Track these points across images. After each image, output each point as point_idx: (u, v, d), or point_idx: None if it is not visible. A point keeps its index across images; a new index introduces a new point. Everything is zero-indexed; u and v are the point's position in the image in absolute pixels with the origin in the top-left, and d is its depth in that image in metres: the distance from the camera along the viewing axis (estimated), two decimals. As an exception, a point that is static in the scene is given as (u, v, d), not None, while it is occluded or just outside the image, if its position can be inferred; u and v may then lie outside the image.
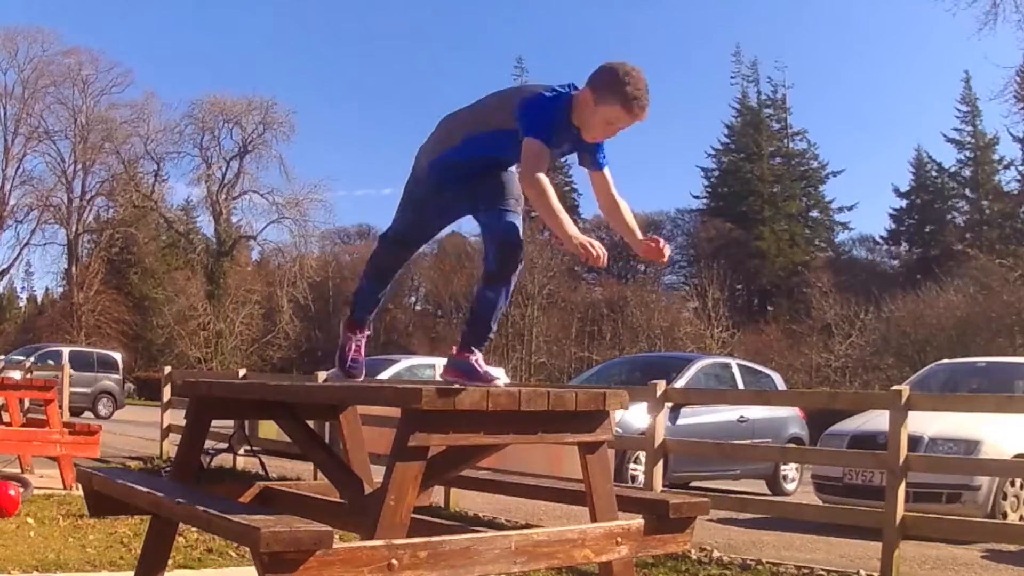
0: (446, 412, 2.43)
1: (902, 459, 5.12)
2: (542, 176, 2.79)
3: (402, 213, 3.22)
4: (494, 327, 3.16)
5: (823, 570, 5.23)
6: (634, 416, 8.28)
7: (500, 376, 3.22)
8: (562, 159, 3.12)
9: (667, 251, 3.08)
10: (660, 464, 6.32)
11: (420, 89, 67.03)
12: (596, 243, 2.77)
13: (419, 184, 3.13)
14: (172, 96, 72.47)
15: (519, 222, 3.06)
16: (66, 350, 23.48)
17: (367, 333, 3.39)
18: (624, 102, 2.81)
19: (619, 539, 2.72)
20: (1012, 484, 7.12)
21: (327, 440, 5.23)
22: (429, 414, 2.40)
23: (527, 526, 5.32)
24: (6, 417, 8.17)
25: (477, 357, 3.03)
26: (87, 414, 20.54)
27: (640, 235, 3.12)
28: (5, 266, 43.54)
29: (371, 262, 3.32)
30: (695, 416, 9.16)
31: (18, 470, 7.28)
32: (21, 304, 51.89)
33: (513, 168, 3.06)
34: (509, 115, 2.85)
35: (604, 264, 2.78)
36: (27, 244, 43.35)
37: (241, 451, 8.61)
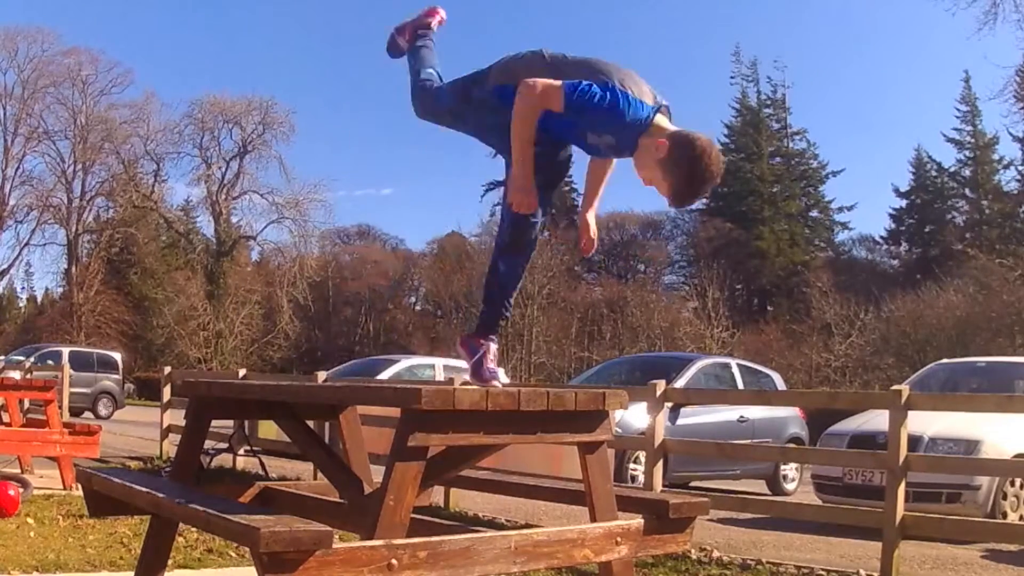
0: (446, 412, 2.43)
1: (902, 459, 5.12)
2: (534, 116, 2.68)
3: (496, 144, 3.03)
4: (509, 306, 3.08)
5: (823, 570, 5.23)
6: (634, 416, 8.28)
7: (500, 376, 3.19)
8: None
9: (590, 250, 3.13)
10: (660, 464, 6.32)
11: (420, 89, 66.93)
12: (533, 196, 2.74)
13: (494, 112, 2.89)
14: (172, 96, 72.64)
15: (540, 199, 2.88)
16: (66, 350, 23.49)
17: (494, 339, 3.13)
18: (679, 187, 2.71)
19: (619, 539, 2.71)
20: (1012, 484, 7.12)
21: (327, 440, 5.24)
22: (429, 414, 2.40)
23: (527, 526, 5.31)
24: (6, 417, 8.17)
25: (489, 348, 2.95)
26: (87, 414, 20.54)
27: (592, 222, 3.12)
28: (5, 266, 43.60)
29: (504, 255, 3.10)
30: (695, 416, 9.16)
31: (18, 470, 7.28)
32: (21, 304, 51.96)
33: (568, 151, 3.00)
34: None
35: (530, 210, 2.75)
36: (27, 244, 43.43)
37: (241, 451, 8.60)
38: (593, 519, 2.76)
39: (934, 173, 44.10)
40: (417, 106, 3.13)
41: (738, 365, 11.44)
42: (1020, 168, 40.26)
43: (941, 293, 30.45)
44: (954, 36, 68.01)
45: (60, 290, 46.83)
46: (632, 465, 8.69)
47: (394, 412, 2.53)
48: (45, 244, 44.18)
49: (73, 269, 43.34)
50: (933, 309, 29.72)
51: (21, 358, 20.70)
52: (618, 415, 8.06)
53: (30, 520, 5.38)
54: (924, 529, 5.43)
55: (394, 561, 2.25)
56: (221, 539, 4.47)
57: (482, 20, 64.69)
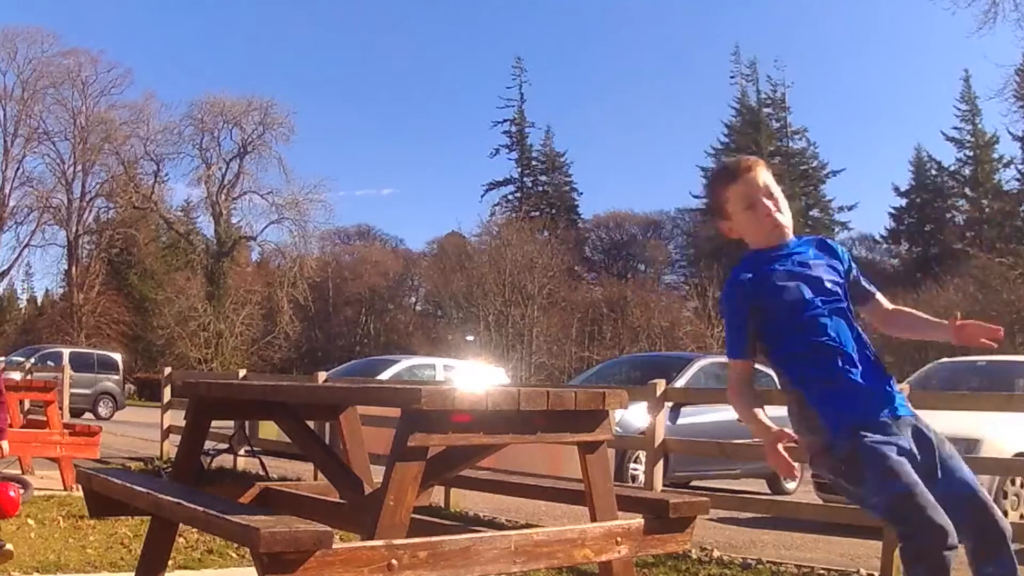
0: (445, 412, 2.43)
1: (902, 458, 5.11)
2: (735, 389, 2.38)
3: None
4: None
5: (823, 569, 5.23)
6: (634, 415, 8.27)
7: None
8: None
9: (998, 331, 2.37)
10: (660, 463, 6.32)
11: (420, 89, 67.04)
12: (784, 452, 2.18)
13: None
14: (172, 97, 72.79)
15: None
16: (66, 351, 23.49)
17: None
18: (726, 181, 2.43)
19: (619, 539, 2.71)
20: (1012, 483, 7.11)
21: (327, 440, 5.24)
22: (429, 414, 2.40)
23: (527, 526, 5.31)
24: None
25: None
26: (87, 415, 20.55)
27: (943, 320, 2.44)
28: (5, 267, 43.59)
29: None
30: (695, 415, 9.15)
31: (18, 471, 7.27)
32: (21, 305, 51.92)
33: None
34: None
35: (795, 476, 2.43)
36: (27, 245, 43.40)
37: (241, 452, 8.61)
38: (593, 519, 2.76)
39: (934, 172, 44.13)
40: None
41: (738, 364, 11.42)
42: (1020, 167, 40.34)
43: (941, 292, 30.47)
44: (954, 35, 68.14)
45: (60, 291, 46.90)
46: (632, 465, 8.69)
47: (394, 412, 2.53)
48: (45, 245, 44.24)
49: (73, 270, 43.34)
50: (933, 308, 29.61)
51: (21, 359, 20.68)
52: (618, 415, 8.06)
53: (30, 521, 5.38)
54: (924, 528, 5.42)
55: (394, 561, 2.25)
56: (221, 539, 4.47)
57: (482, 21, 64.74)
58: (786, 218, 2.38)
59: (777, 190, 2.40)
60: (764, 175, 2.39)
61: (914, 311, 2.54)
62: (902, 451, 2.16)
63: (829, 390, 2.23)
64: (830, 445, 2.17)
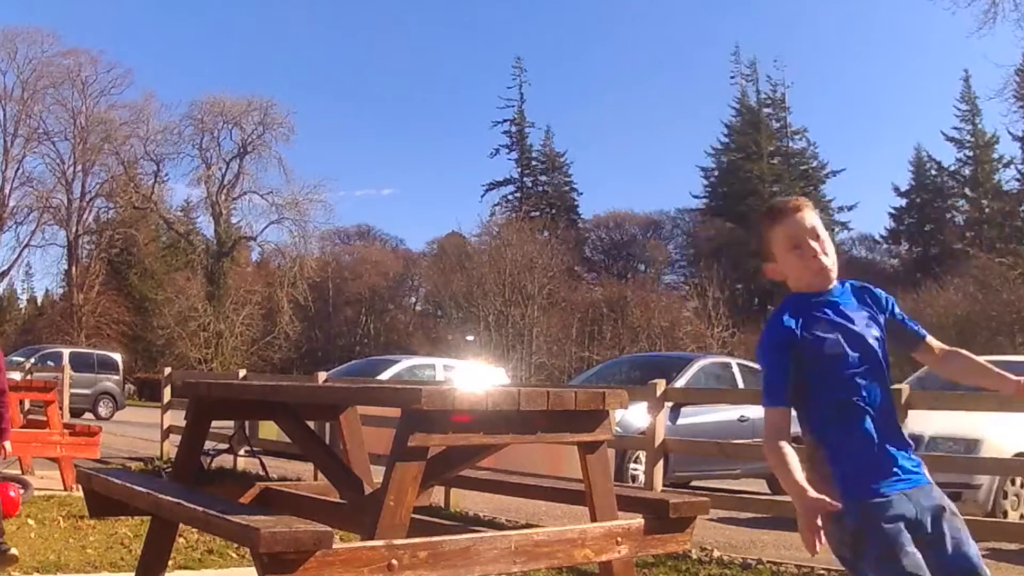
0: (445, 412, 2.43)
1: (902, 458, 5.10)
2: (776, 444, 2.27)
3: None
4: None
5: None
6: (634, 416, 8.27)
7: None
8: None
9: None
10: (660, 464, 6.32)
11: (420, 89, 67.09)
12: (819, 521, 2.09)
13: None
14: (172, 97, 72.68)
15: None
16: (66, 351, 23.49)
17: None
18: (772, 221, 2.36)
19: (619, 539, 2.71)
20: (1012, 483, 7.11)
21: (327, 440, 5.24)
22: (429, 414, 2.40)
23: (527, 526, 5.31)
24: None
25: None
26: (87, 415, 20.54)
27: (1004, 372, 2.33)
28: (5, 267, 43.58)
29: None
30: (695, 415, 9.16)
31: (18, 471, 7.28)
32: (21, 305, 51.91)
33: None
34: None
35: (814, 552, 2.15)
36: (27, 245, 43.40)
37: (241, 452, 8.61)
38: (593, 519, 2.76)
39: (934, 172, 44.15)
40: None
41: (738, 364, 11.42)
42: (1020, 167, 40.36)
43: (941, 292, 30.46)
44: (954, 35, 68.14)
45: (60, 291, 46.89)
46: (632, 465, 8.69)
47: (394, 412, 2.53)
48: (45, 245, 44.24)
49: (73, 270, 43.34)
50: (933, 308, 29.70)
51: (21, 359, 20.69)
52: (618, 415, 8.06)
53: (31, 521, 5.38)
54: (925, 528, 5.42)
55: (394, 561, 2.25)
56: (221, 540, 4.47)
57: (481, 21, 64.75)
58: (831, 261, 2.33)
59: (824, 232, 2.35)
60: (812, 217, 2.35)
61: (970, 355, 2.45)
62: (910, 523, 2.14)
63: (849, 453, 2.20)
64: (839, 513, 2.13)
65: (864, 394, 2.22)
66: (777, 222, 2.35)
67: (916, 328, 2.42)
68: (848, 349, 2.23)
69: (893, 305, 2.40)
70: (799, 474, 2.15)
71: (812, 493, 2.09)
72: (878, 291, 2.41)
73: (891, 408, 2.28)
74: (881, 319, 2.34)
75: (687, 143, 76.50)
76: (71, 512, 5.70)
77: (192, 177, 46.26)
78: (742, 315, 39.52)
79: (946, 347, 2.44)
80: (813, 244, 2.30)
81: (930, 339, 2.42)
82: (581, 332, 39.13)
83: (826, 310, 2.29)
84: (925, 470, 2.26)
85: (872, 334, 2.29)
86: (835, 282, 2.34)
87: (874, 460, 2.19)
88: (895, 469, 2.20)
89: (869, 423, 2.21)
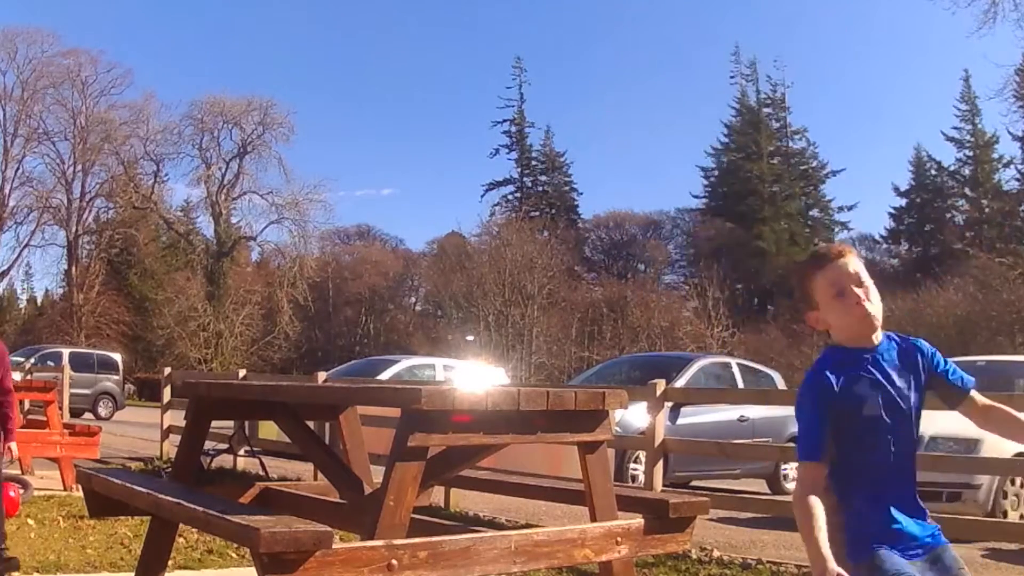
0: (445, 412, 2.43)
1: (902, 458, 5.10)
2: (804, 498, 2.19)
3: None
4: None
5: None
6: (634, 415, 8.27)
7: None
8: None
9: None
10: (660, 463, 6.32)
11: (421, 89, 67.10)
12: None
13: None
14: (171, 97, 72.72)
15: None
16: (66, 351, 23.48)
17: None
18: (815, 267, 2.31)
19: (619, 539, 2.71)
20: (1012, 483, 7.11)
21: (327, 440, 5.24)
22: (429, 414, 2.40)
23: (527, 526, 5.31)
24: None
25: None
26: (87, 415, 20.54)
27: None
28: (5, 267, 43.57)
29: None
30: (695, 415, 9.15)
31: (18, 471, 7.28)
32: (21, 305, 51.91)
33: None
34: None
35: None
36: (27, 245, 43.40)
37: (241, 452, 8.61)
38: (593, 519, 2.76)
39: (934, 172, 44.15)
40: None
41: (738, 364, 11.42)
42: (1020, 167, 40.37)
43: (941, 292, 30.45)
44: (953, 35, 68.14)
45: (60, 291, 46.89)
46: (632, 465, 8.68)
47: (394, 412, 2.53)
48: (45, 245, 44.23)
49: (73, 270, 43.33)
50: (933, 308, 29.72)
51: (21, 359, 20.69)
52: (618, 415, 8.05)
53: (30, 521, 5.38)
54: (924, 528, 5.42)
55: (394, 561, 2.25)
56: (221, 540, 4.47)
57: (481, 21, 64.77)
58: (876, 308, 2.26)
59: (868, 279, 2.29)
60: (855, 263, 2.29)
61: (1010, 411, 2.37)
62: None
63: (867, 514, 2.17)
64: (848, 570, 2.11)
65: (891, 460, 2.19)
66: (819, 268, 2.29)
67: (962, 384, 2.33)
68: (885, 413, 2.19)
69: (937, 358, 2.32)
70: (823, 539, 2.05)
71: (832, 565, 1.99)
72: (925, 347, 2.33)
73: (913, 474, 2.24)
74: (924, 378, 2.27)
75: (687, 143, 76.59)
76: (71, 512, 5.70)
77: (192, 177, 46.31)
78: (742, 315, 39.55)
79: (988, 401, 2.36)
80: (857, 291, 2.23)
81: (974, 393, 2.34)
82: (581, 332, 39.12)
83: (870, 368, 2.23)
84: (941, 533, 2.22)
85: (912, 398, 2.23)
86: (880, 333, 2.27)
87: (889, 527, 2.15)
88: (908, 537, 2.17)
89: (890, 487, 2.18)
